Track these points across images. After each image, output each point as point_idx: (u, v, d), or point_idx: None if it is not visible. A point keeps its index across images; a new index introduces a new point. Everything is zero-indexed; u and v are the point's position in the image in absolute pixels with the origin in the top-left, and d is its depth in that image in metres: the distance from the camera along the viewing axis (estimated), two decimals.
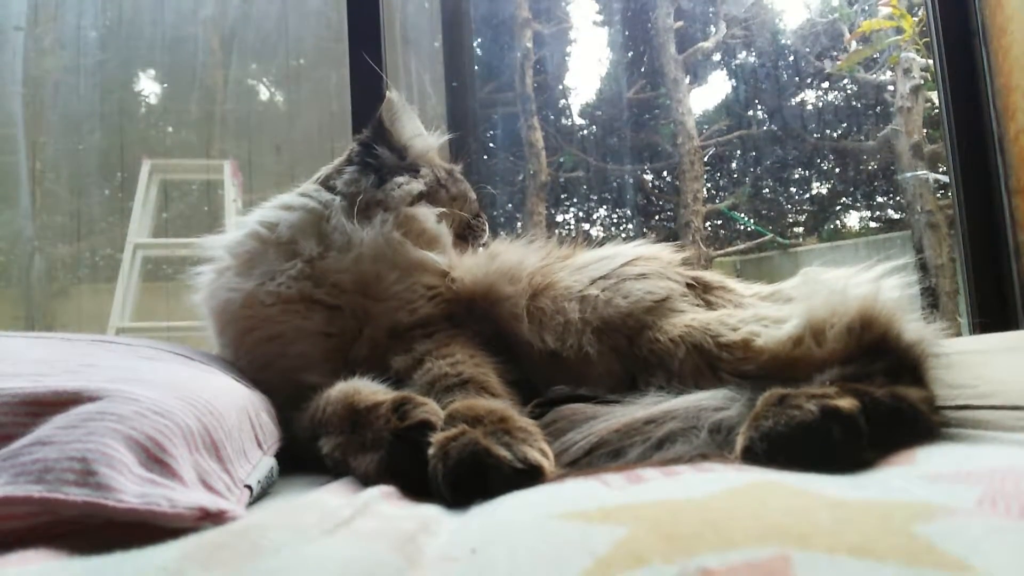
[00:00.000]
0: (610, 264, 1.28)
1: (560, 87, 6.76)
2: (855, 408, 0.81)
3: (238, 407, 0.91)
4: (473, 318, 1.30)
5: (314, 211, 1.36)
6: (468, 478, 0.77)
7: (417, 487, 0.81)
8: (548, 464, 0.82)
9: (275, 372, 1.24)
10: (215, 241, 1.38)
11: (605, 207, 6.90)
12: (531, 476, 0.79)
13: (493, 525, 0.62)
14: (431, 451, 0.82)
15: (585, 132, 6.82)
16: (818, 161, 6.44)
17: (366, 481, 0.88)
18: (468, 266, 1.36)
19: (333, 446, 0.99)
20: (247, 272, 1.29)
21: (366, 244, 1.30)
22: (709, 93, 7.04)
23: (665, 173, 6.84)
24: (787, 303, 1.17)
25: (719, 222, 6.63)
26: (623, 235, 6.66)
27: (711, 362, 1.07)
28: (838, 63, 5.79)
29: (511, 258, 1.33)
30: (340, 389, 1.07)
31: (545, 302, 1.23)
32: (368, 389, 1.05)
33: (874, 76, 5.80)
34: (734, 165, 6.64)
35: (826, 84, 6.24)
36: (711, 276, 1.31)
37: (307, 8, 4.79)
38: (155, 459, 0.63)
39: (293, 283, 1.27)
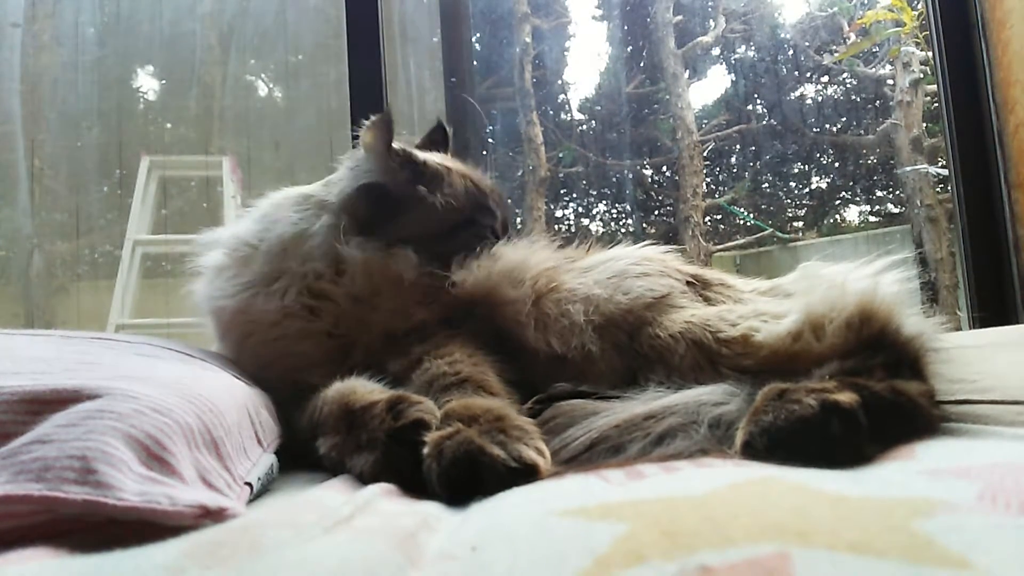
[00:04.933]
0: (615, 266, 1.27)
1: (559, 82, 6.74)
2: (854, 402, 0.81)
3: (238, 404, 0.91)
4: (472, 319, 1.29)
5: (299, 227, 1.32)
6: (462, 477, 0.77)
7: (413, 486, 0.81)
8: (544, 462, 0.82)
9: (277, 371, 1.23)
10: (212, 236, 1.37)
11: (604, 202, 6.89)
12: (526, 474, 0.79)
13: (493, 522, 0.62)
14: (425, 450, 0.82)
15: (584, 127, 6.80)
16: (817, 155, 6.43)
17: (363, 481, 0.87)
18: (469, 267, 1.34)
19: (330, 446, 0.99)
20: (239, 279, 1.28)
21: (360, 266, 1.27)
22: (708, 88, 7.04)
23: (664, 168, 6.82)
24: (786, 298, 1.17)
25: (719, 217, 6.62)
26: (622, 230, 6.67)
27: (711, 358, 1.07)
28: (836, 54, 5.78)
29: (513, 260, 1.31)
30: (336, 389, 1.07)
31: (549, 306, 1.22)
32: (364, 389, 1.05)
33: (873, 70, 5.78)
34: (733, 160, 6.63)
35: (825, 78, 6.23)
36: (710, 273, 1.31)
37: (306, 4, 4.77)
38: (155, 457, 0.63)
39: (297, 297, 1.26)
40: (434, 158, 1.48)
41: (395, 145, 1.37)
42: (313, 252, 1.28)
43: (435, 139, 1.66)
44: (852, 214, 6.53)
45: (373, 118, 1.34)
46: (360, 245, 1.29)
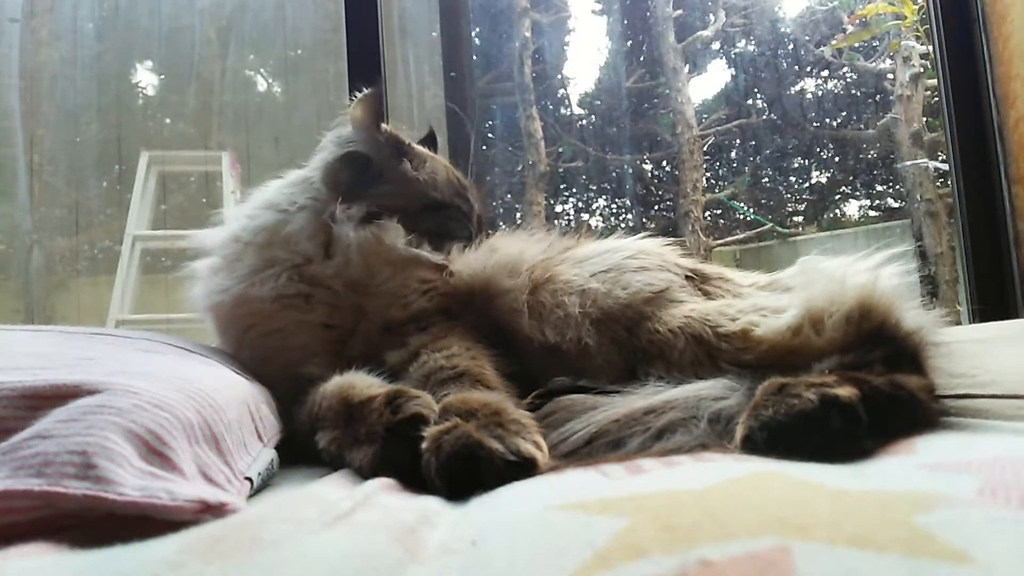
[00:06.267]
0: (612, 258, 1.27)
1: (559, 77, 6.74)
2: (854, 396, 0.81)
3: (238, 399, 0.91)
4: (470, 312, 1.29)
5: (286, 214, 1.33)
6: (461, 471, 0.77)
7: (412, 481, 0.81)
8: (541, 456, 0.82)
9: (276, 365, 1.24)
10: (205, 238, 1.37)
11: (604, 197, 6.89)
12: (524, 468, 0.79)
13: (493, 517, 0.62)
14: (424, 445, 0.82)
15: (584, 122, 6.80)
16: (818, 150, 6.43)
17: (362, 476, 0.88)
18: (466, 259, 1.34)
19: (329, 440, 0.99)
20: (233, 273, 1.28)
21: (353, 245, 1.28)
22: (708, 82, 7.03)
23: (664, 163, 6.83)
24: (786, 292, 1.16)
25: (719, 212, 6.62)
26: (622, 225, 6.67)
27: (710, 352, 1.06)
28: (833, 42, 5.77)
29: (510, 251, 1.31)
30: (335, 383, 1.07)
31: (545, 296, 1.22)
32: (363, 383, 1.05)
33: (874, 64, 5.78)
34: (733, 154, 6.63)
35: (826, 73, 6.22)
36: (708, 267, 1.31)
37: None
38: (155, 452, 0.63)
39: (289, 283, 1.26)
40: (419, 147, 1.54)
41: (383, 125, 1.42)
42: (296, 235, 1.29)
43: (425, 144, 1.68)
44: (852, 209, 6.54)
45: (363, 92, 1.38)
46: (346, 215, 1.30)
